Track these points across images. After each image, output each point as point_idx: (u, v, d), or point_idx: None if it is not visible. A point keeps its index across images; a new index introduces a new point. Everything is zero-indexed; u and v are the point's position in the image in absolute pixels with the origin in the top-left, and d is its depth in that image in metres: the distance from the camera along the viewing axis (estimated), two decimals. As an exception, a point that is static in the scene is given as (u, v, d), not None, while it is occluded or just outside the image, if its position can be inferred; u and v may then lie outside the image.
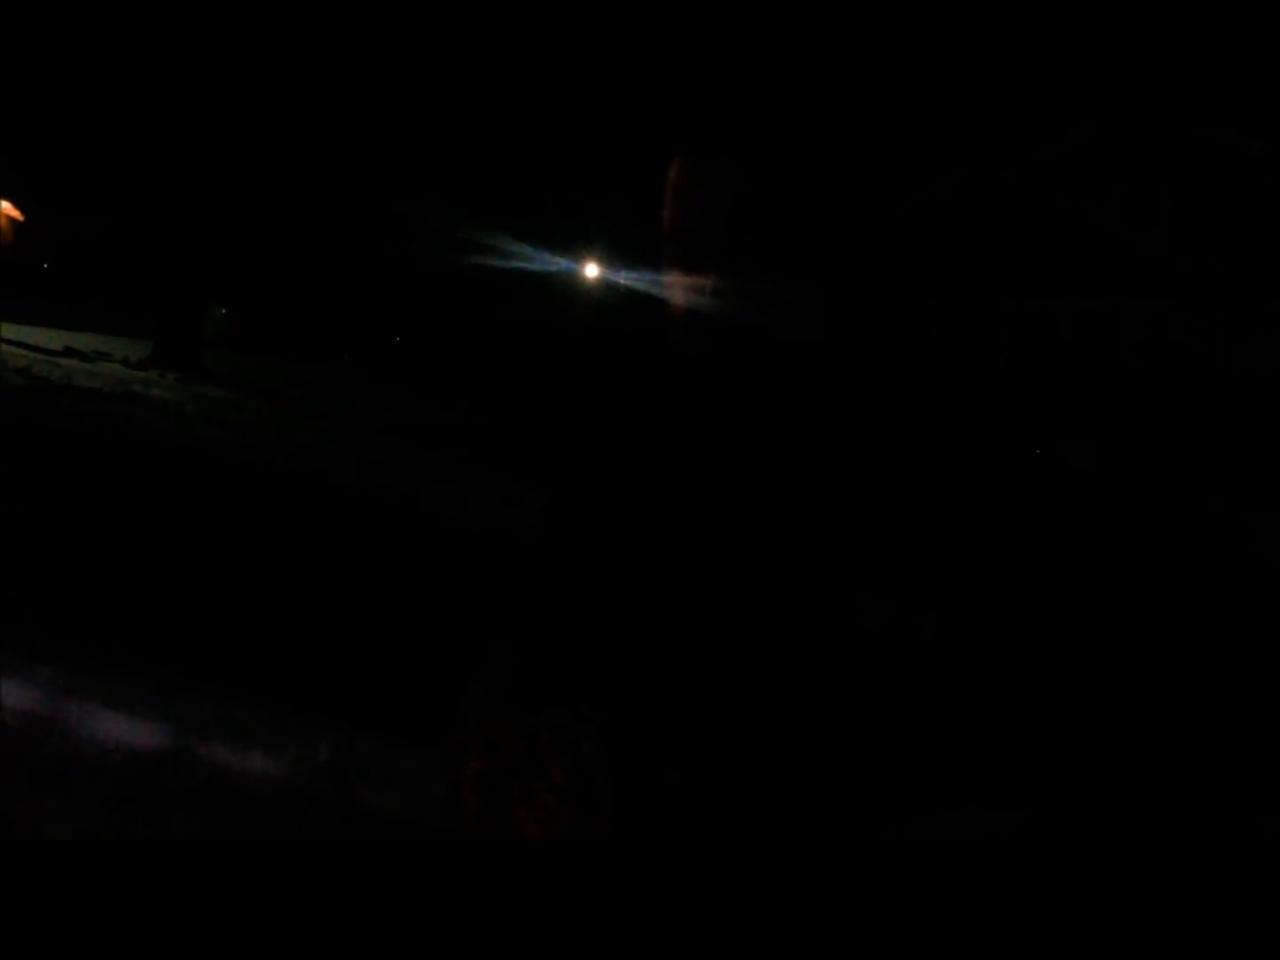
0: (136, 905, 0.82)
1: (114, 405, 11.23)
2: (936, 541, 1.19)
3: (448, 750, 1.25)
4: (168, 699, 4.17)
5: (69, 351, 15.12)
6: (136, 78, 17.51)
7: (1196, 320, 15.62)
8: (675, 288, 1.16)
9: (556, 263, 18.36)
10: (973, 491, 1.29)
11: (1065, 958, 0.83)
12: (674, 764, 1.10)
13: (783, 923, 0.84)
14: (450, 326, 21.49)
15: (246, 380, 16.12)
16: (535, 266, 18.20)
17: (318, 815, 3.63)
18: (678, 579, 1.18)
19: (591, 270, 18.79)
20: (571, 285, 18.74)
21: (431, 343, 21.82)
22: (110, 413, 10.68)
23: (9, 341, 14.35)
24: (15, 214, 25.56)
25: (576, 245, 18.26)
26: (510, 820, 1.13)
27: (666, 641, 1.16)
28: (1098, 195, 16.79)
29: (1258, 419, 14.52)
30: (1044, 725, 1.17)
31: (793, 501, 1.20)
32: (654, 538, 1.21)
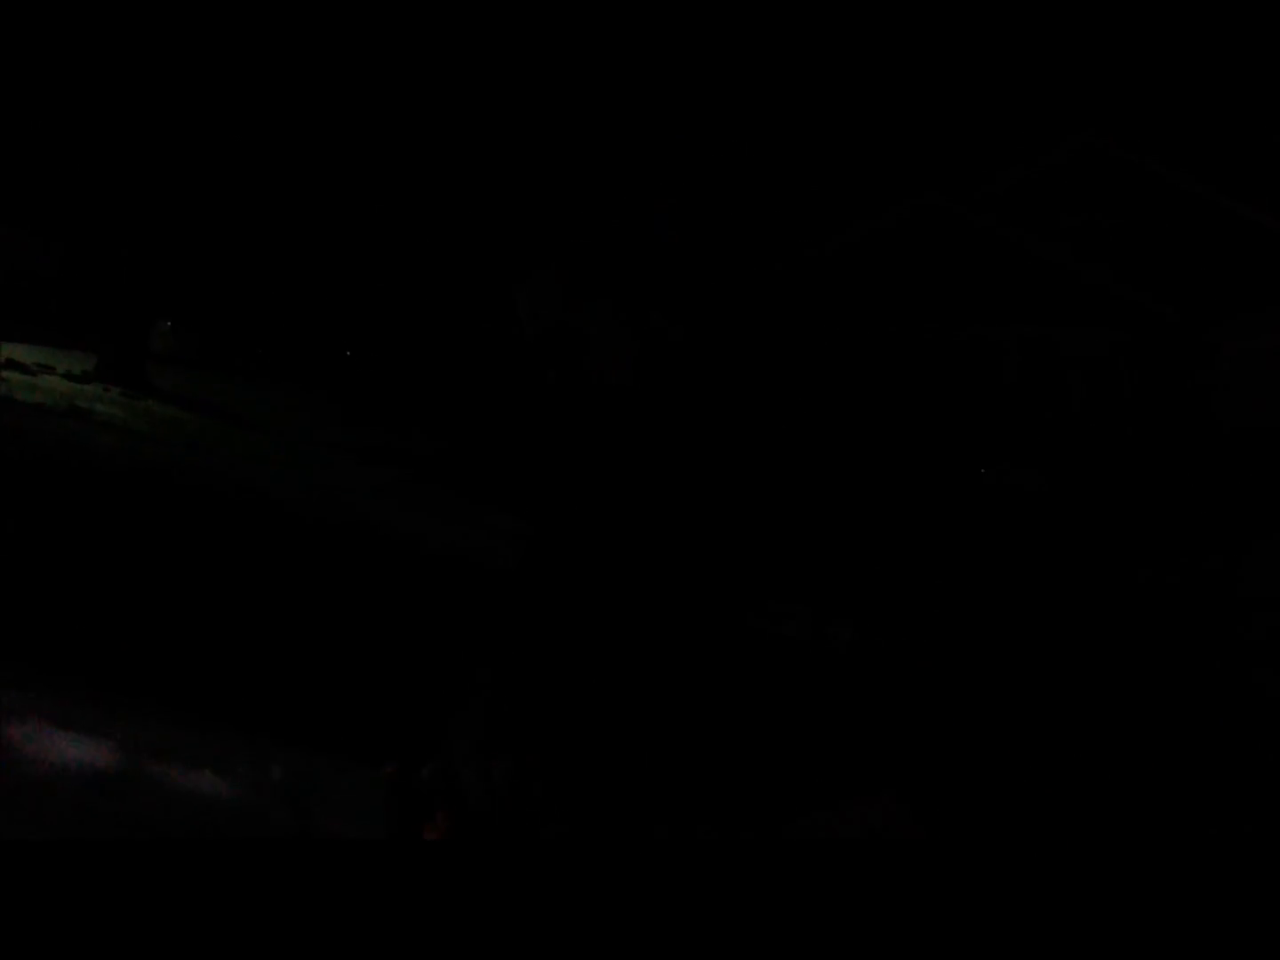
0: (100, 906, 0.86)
1: (58, 422, 11.07)
2: (857, 558, 1.31)
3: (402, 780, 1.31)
4: (120, 722, 4.15)
5: (9, 364, 14.84)
6: (81, 89, 17.33)
7: (1141, 350, 15.97)
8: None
9: (507, 283, 18.38)
10: (901, 512, 1.40)
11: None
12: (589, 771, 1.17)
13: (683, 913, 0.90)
14: (401, 345, 21.44)
15: (193, 396, 15.93)
16: (488, 288, 18.25)
17: (273, 835, 3.64)
18: (626, 600, 1.27)
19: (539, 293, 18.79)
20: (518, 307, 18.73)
21: (382, 360, 21.74)
22: (55, 429, 10.53)
23: (-53, 354, 14.09)
24: (-46, 225, 24.78)
25: (527, 262, 18.29)
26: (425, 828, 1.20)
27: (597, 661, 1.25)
28: (1046, 226, 17.13)
29: (1202, 447, 14.88)
30: (952, 728, 1.27)
31: (724, 520, 1.31)
32: (606, 566, 1.29)
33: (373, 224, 19.31)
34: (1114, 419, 15.60)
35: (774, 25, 18.29)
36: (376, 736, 4.50)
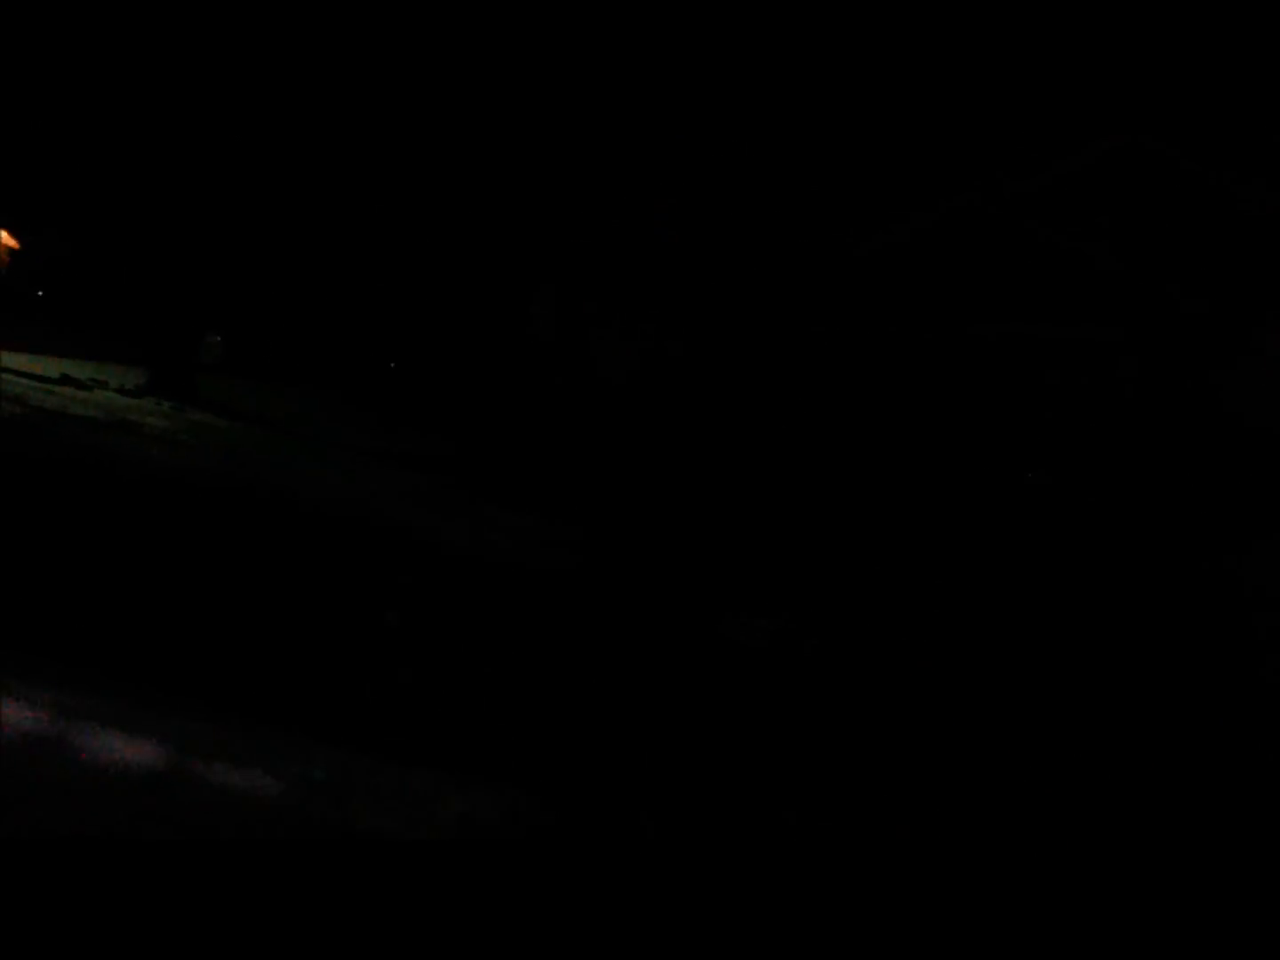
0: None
1: (109, 435, 11.37)
2: (826, 570, 1.39)
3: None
4: (167, 721, 4.30)
5: (64, 379, 15.24)
6: (131, 103, 17.75)
7: (1178, 349, 15.79)
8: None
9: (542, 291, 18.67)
10: (882, 526, 1.49)
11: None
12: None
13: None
14: (441, 355, 21.75)
15: (241, 408, 16.25)
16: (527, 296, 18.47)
17: (316, 832, 3.76)
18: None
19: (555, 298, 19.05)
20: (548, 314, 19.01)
21: (424, 371, 22.07)
22: (106, 442, 10.82)
23: (4, 369, 14.47)
24: (10, 241, 25.78)
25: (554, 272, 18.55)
26: None
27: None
28: (1080, 225, 16.98)
29: (1217, 446, 14.70)
30: (908, 739, 1.35)
31: (707, 522, 1.41)
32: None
33: (399, 236, 19.66)
34: (1132, 416, 15.48)
35: (792, 13, 18.31)
36: (414, 734, 4.64)
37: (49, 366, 15.90)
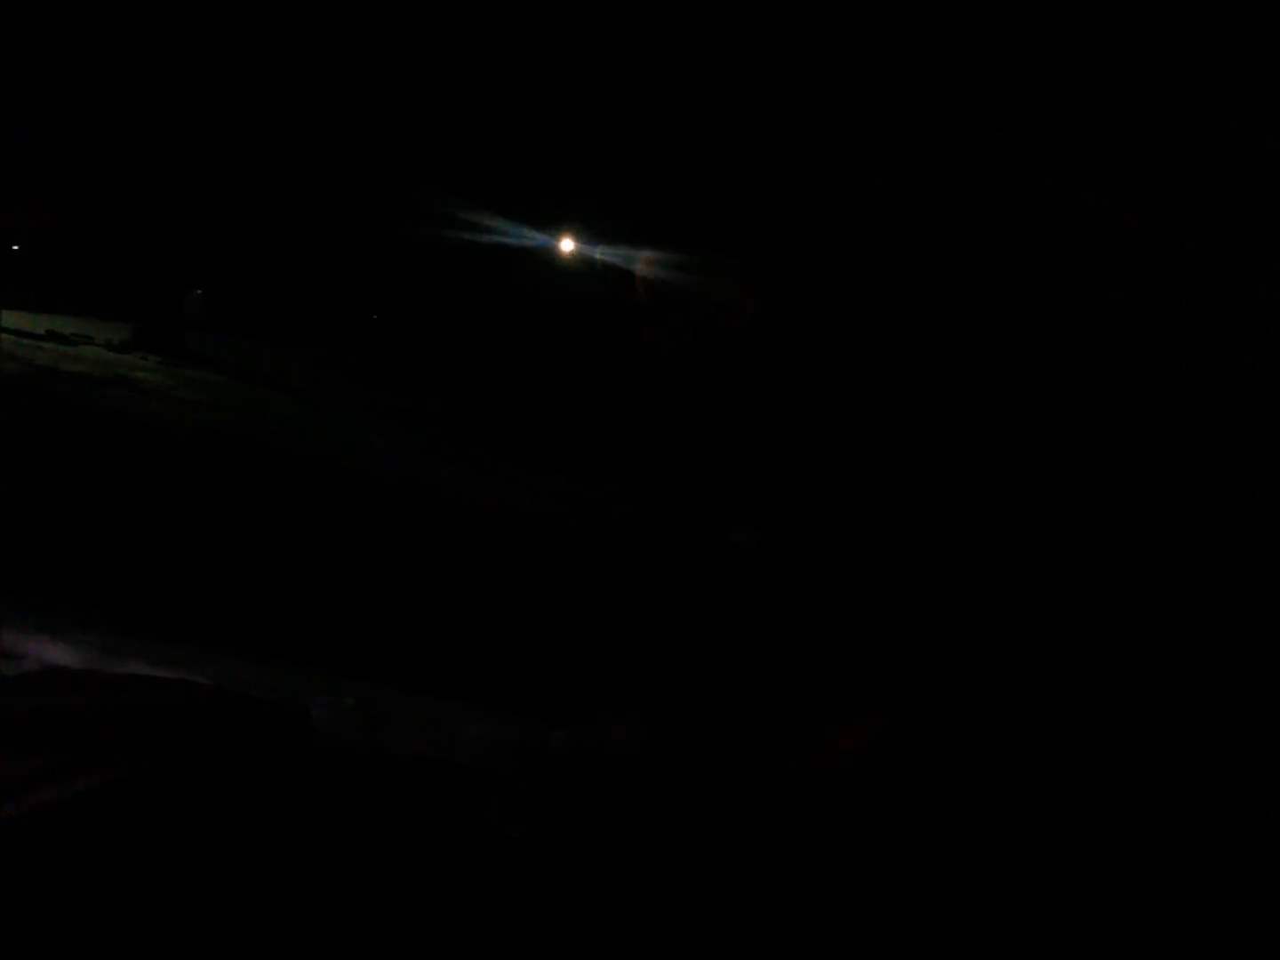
0: None
1: (105, 390, 11.55)
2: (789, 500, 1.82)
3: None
4: (206, 660, 4.66)
5: (51, 335, 15.36)
6: (111, 62, 17.67)
7: (1182, 298, 15.71)
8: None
9: (534, 237, 18.85)
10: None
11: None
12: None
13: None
14: (426, 306, 21.88)
15: (229, 362, 16.42)
16: (514, 242, 18.68)
17: (348, 756, 4.15)
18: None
19: (567, 245, 19.18)
20: (549, 264, 19.16)
21: (408, 322, 22.19)
22: (104, 397, 11.01)
23: (-9, 326, 14.59)
24: (-15, 197, 25.22)
25: (555, 218, 18.73)
26: None
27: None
28: (1074, 169, 16.91)
29: (1241, 399, 14.74)
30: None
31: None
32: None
33: (400, 191, 19.79)
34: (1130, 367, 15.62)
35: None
36: (430, 667, 5.03)
37: (31, 322, 15.99)
